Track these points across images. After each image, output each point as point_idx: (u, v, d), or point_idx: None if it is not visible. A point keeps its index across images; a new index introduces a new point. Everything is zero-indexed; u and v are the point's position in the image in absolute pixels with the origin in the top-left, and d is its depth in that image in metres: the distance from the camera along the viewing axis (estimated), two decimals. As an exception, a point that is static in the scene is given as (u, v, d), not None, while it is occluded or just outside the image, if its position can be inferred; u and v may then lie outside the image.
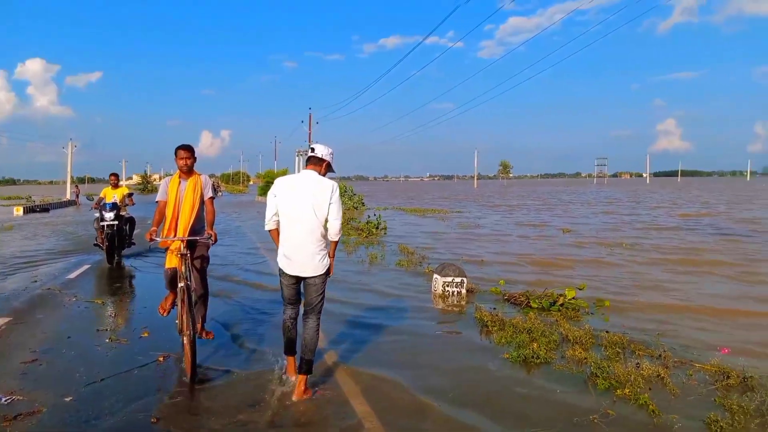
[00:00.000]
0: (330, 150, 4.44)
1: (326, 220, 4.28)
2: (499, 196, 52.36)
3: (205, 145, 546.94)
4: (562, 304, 7.24)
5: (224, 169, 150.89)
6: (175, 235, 5.22)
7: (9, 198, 58.00)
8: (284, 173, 55.71)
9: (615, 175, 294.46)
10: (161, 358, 5.35)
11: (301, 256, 4.26)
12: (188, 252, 5.06)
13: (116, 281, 9.65)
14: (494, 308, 7.29)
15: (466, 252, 12.98)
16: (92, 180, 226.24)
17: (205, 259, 5.48)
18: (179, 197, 5.36)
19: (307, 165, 4.38)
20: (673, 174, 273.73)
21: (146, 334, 6.17)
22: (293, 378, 4.56)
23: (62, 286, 8.97)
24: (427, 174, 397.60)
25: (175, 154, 5.42)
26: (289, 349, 4.60)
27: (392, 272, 10.34)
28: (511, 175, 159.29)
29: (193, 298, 5.05)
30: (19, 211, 32.10)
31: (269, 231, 4.47)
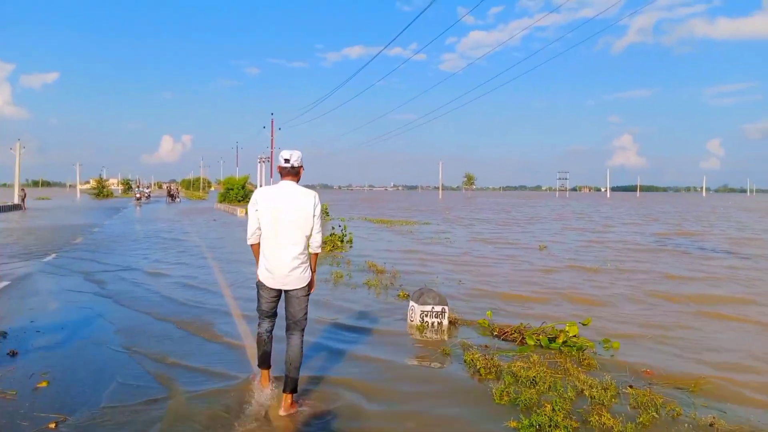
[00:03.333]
0: (299, 153, 4.33)
1: (310, 233, 4.26)
2: (465, 208, 51.50)
3: (166, 150, 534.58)
4: (564, 342, 6.07)
5: (185, 175, 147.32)
6: None
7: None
8: (245, 180, 53.97)
9: (575, 189, 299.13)
10: (53, 425, 3.97)
11: (283, 269, 4.21)
12: None
13: (32, 305, 8.09)
14: (485, 346, 6.09)
15: (439, 271, 11.78)
16: (47, 183, 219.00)
17: None
18: None
19: (283, 176, 4.30)
20: (630, 189, 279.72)
21: (44, 384, 4.75)
22: (267, 389, 4.61)
23: (-39, 311, 7.42)
24: (391, 184, 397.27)
25: None
26: (264, 362, 4.56)
27: (360, 294, 9.05)
28: (474, 186, 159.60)
29: None
30: (-46, 215, 29.73)
31: (251, 245, 4.38)
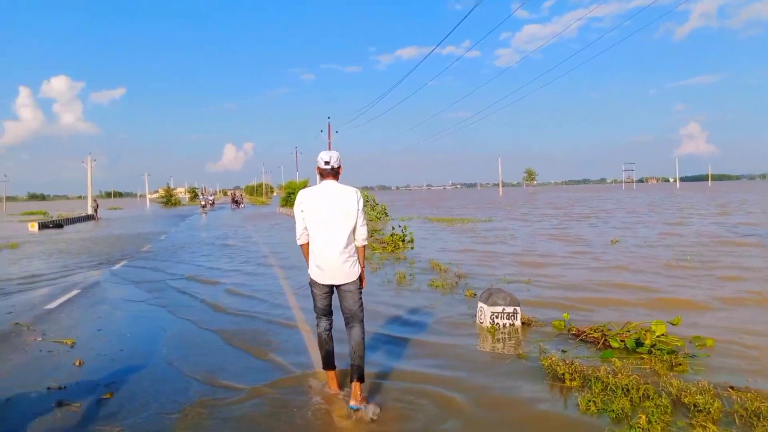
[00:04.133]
0: (337, 154, 4.45)
1: (354, 227, 4.32)
2: (528, 204, 50.30)
3: (229, 158, 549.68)
4: (653, 345, 5.55)
5: (248, 182, 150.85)
6: None
7: (31, 213, 57.89)
8: (305, 183, 54.54)
9: (641, 180, 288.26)
10: (116, 436, 3.83)
11: (334, 265, 4.27)
12: None
13: (100, 313, 8.17)
14: (564, 350, 5.64)
15: (505, 270, 11.30)
16: (118, 194, 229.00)
17: None
18: None
19: (323, 177, 4.42)
20: (699, 178, 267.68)
21: (108, 396, 4.65)
22: (335, 391, 4.57)
23: (34, 320, 7.55)
24: (450, 182, 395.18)
25: None
26: (328, 362, 4.58)
27: (425, 296, 8.71)
28: (535, 182, 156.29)
29: None
30: (34, 227, 31.25)
31: (301, 246, 4.49)
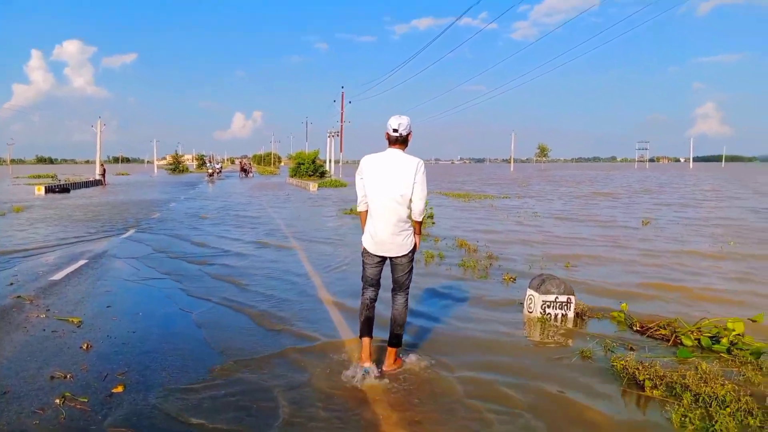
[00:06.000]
0: (407, 121, 4.22)
1: (410, 200, 4.18)
2: (543, 181, 49.40)
3: (238, 126, 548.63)
4: (733, 343, 4.89)
5: (256, 150, 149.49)
6: None
7: (39, 176, 57.47)
8: (316, 154, 53.81)
9: (652, 160, 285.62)
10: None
11: (386, 236, 4.21)
12: None
13: (110, 287, 7.56)
14: (630, 347, 5.00)
15: (539, 251, 10.63)
16: (126, 159, 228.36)
17: None
18: None
19: (390, 144, 4.24)
20: (712, 159, 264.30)
21: (120, 389, 4.04)
22: (368, 366, 4.29)
23: (38, 293, 6.95)
24: (458, 157, 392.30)
25: None
26: (365, 328, 4.39)
27: (457, 279, 8.07)
28: (546, 159, 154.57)
29: None
30: (40, 190, 30.80)
31: (360, 212, 4.44)
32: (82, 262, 9.18)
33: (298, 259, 9.70)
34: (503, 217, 17.08)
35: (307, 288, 7.46)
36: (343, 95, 54.64)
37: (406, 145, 4.28)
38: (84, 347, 4.98)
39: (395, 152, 4.22)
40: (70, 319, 5.83)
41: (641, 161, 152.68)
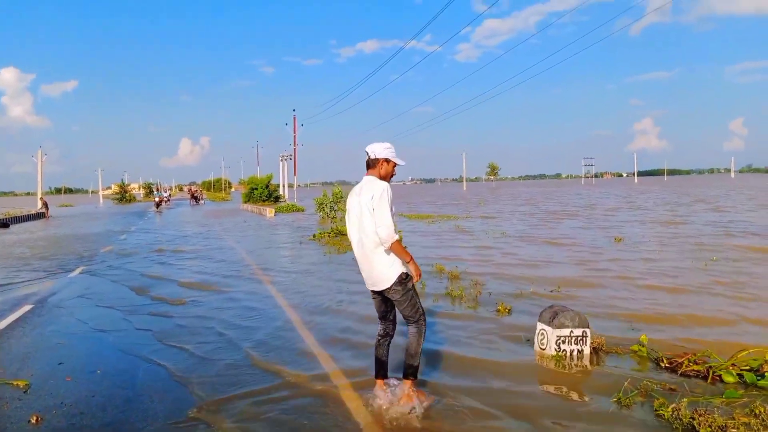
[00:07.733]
0: (385, 145, 4.15)
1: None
2: (498, 200, 49.63)
3: (185, 152, 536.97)
4: (779, 378, 4.43)
5: (205, 177, 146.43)
6: None
7: (-26, 211, 54.31)
8: (269, 178, 52.68)
9: (597, 176, 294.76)
10: None
11: (365, 268, 4.10)
12: None
13: (61, 338, 6.62)
14: (671, 389, 4.46)
15: (519, 272, 10.15)
16: (69, 190, 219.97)
17: None
18: None
19: (366, 171, 4.16)
20: (652, 173, 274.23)
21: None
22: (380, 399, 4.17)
23: (-24, 350, 5.99)
24: (410, 178, 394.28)
25: None
26: (379, 369, 4.28)
27: (451, 312, 7.46)
28: (496, 177, 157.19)
29: None
30: (-24, 226, 28.80)
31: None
32: (26, 308, 8.18)
33: (271, 293, 8.93)
34: (472, 239, 16.63)
35: (287, 330, 6.72)
36: (294, 118, 54.07)
37: (377, 172, 4.13)
38: (33, 420, 4.13)
39: (366, 179, 4.14)
40: (15, 383, 4.94)
41: (588, 177, 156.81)
